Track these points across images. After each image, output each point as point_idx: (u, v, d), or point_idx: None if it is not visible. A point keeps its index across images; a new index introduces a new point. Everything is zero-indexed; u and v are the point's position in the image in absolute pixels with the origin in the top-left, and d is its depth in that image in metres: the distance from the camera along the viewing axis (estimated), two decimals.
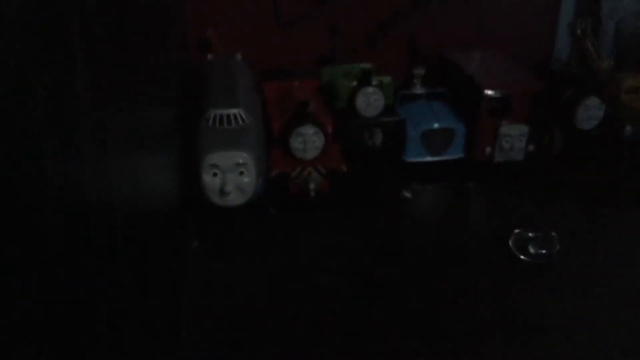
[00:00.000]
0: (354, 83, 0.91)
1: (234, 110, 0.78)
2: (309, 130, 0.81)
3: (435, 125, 0.92)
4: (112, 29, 0.43)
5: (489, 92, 0.91)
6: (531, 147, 0.92)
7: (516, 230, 0.76)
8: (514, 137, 0.91)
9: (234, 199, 0.75)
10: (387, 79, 0.92)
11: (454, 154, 0.94)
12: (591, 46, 1.03)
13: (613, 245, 0.77)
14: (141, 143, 0.52)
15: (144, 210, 0.51)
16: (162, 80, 0.69)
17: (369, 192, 0.88)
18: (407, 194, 0.87)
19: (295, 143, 0.81)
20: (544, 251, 0.73)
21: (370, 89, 0.89)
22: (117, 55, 0.45)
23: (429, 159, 0.93)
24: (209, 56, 0.97)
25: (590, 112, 0.90)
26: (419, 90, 0.98)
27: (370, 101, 0.89)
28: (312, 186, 0.82)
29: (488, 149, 0.92)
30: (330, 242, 0.77)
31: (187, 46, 1.00)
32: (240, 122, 0.78)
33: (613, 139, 0.93)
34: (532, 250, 0.73)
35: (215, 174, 0.74)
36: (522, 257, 0.73)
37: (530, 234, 0.75)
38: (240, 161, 0.74)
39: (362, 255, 0.75)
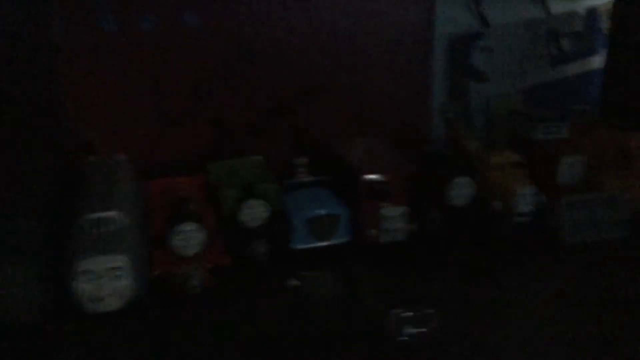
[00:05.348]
0: (237, 194, 0.91)
1: (109, 213, 0.77)
2: (188, 227, 0.81)
3: (321, 212, 0.95)
4: None
5: (368, 177, 0.95)
6: (412, 227, 0.96)
7: (394, 311, 0.77)
8: (394, 219, 0.94)
9: (110, 304, 0.73)
10: (272, 186, 0.94)
11: (340, 238, 0.96)
12: (462, 128, 1.11)
13: (490, 318, 0.80)
14: None
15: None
16: (27, 188, 0.68)
17: (256, 283, 0.88)
18: (294, 282, 0.88)
19: (175, 241, 0.81)
20: (422, 329, 0.75)
21: (254, 201, 0.90)
22: None
23: (316, 244, 0.95)
24: (90, 158, 0.97)
25: (461, 190, 0.96)
26: (303, 178, 1.01)
27: (254, 214, 0.90)
28: (195, 283, 0.81)
29: (373, 231, 0.95)
30: (215, 338, 0.76)
31: (66, 149, 1.00)
32: (115, 224, 0.77)
33: (484, 214, 0.98)
34: (410, 330, 0.74)
35: (88, 280, 0.72)
36: (401, 337, 0.74)
37: (408, 314, 0.76)
38: (116, 265, 0.73)
39: (247, 350, 0.74)
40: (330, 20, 1.11)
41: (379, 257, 0.94)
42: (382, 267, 0.92)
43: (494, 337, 0.76)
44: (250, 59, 1.09)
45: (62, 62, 1.00)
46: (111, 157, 0.98)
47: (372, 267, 0.93)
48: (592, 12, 1.26)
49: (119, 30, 1.01)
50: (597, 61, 1.29)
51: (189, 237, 0.81)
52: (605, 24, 1.26)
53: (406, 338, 0.74)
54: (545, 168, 1.01)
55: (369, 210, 0.94)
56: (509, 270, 0.91)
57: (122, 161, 0.97)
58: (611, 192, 1.00)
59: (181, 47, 1.05)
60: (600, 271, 0.91)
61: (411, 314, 0.76)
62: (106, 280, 0.73)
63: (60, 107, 1.01)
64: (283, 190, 0.98)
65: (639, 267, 0.92)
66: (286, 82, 1.12)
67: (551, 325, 0.80)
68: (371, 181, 0.95)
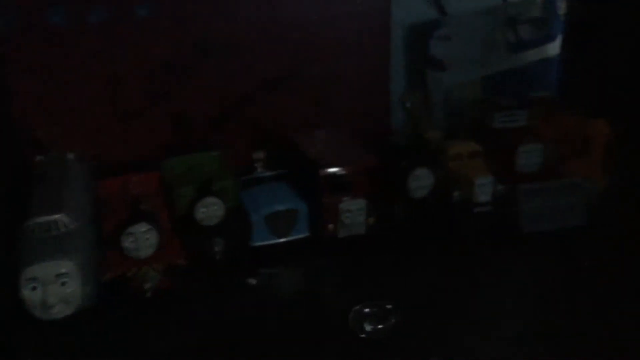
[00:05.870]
0: (193, 192, 0.88)
1: (56, 216, 0.75)
2: (140, 228, 0.79)
3: (279, 208, 0.93)
4: None
5: (327, 171, 0.93)
6: (371, 220, 0.95)
7: (355, 307, 0.77)
8: (353, 212, 0.93)
9: (59, 311, 0.71)
10: (229, 183, 0.91)
11: (299, 233, 0.94)
12: (422, 118, 1.10)
13: (451, 309, 0.80)
14: None
15: None
16: None
17: (214, 283, 0.86)
18: (252, 281, 0.87)
19: (127, 243, 0.79)
20: (380, 326, 0.74)
21: (210, 200, 0.87)
22: None
23: (275, 241, 0.93)
24: (39, 157, 0.94)
25: (421, 181, 0.95)
26: (261, 173, 1.00)
27: (209, 212, 0.87)
28: (147, 286, 0.79)
29: (331, 226, 0.94)
30: (172, 342, 0.75)
31: (16, 148, 0.96)
32: (63, 228, 0.75)
33: (444, 205, 0.97)
34: (368, 327, 0.74)
35: (34, 288, 0.70)
36: (361, 335, 0.74)
37: (367, 310, 0.76)
38: (62, 271, 0.70)
39: (206, 352, 0.73)
40: (288, 11, 1.09)
41: (339, 252, 0.93)
42: (343, 262, 0.92)
43: (457, 328, 0.76)
44: (208, 51, 1.07)
45: (10, 57, 0.97)
46: (63, 155, 0.95)
47: (332, 262, 0.92)
48: None
49: (68, 23, 0.98)
50: (556, 47, 1.29)
51: (142, 239, 0.79)
52: (562, 10, 1.26)
53: (365, 335, 0.73)
54: (504, 156, 1.01)
55: (328, 205, 0.93)
56: (469, 261, 0.91)
57: (75, 160, 0.94)
58: (570, 180, 1.00)
59: (134, 40, 1.02)
60: (560, 259, 0.92)
61: (372, 310, 0.75)
62: (53, 287, 0.70)
63: (8, 104, 0.98)
64: (241, 186, 0.96)
65: (598, 254, 0.93)
66: (245, 75, 1.10)
67: (513, 315, 0.80)
68: (330, 175, 0.93)
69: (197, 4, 1.04)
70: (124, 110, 1.05)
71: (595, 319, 0.78)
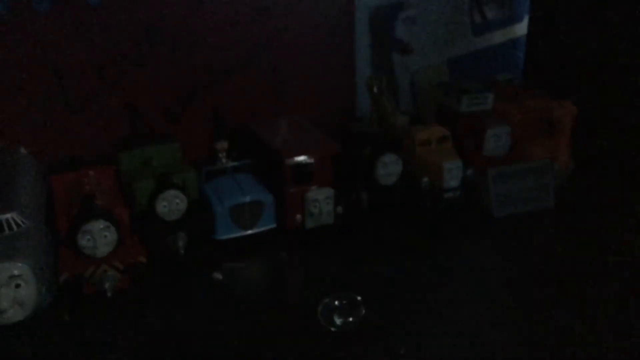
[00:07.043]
0: (152, 185, 0.85)
1: (6, 215, 0.71)
2: (97, 225, 0.75)
3: (243, 199, 0.90)
4: None
5: (291, 160, 0.90)
6: (339, 209, 0.92)
7: (324, 300, 0.74)
8: (321, 202, 0.91)
9: (13, 315, 0.67)
10: (189, 175, 0.88)
11: (265, 225, 0.91)
12: (387, 103, 1.07)
13: (419, 300, 0.78)
14: None
15: None
16: None
17: (176, 281, 0.83)
18: (218, 276, 0.84)
19: (83, 241, 0.74)
20: (350, 319, 0.72)
21: (171, 193, 0.84)
22: None
23: (240, 234, 0.90)
24: None
25: (389, 168, 0.93)
26: (224, 164, 0.96)
27: (171, 206, 0.84)
28: (107, 285, 0.75)
29: (298, 217, 0.91)
30: (134, 344, 0.71)
31: None
32: (14, 227, 0.70)
33: (413, 191, 0.96)
34: (338, 320, 0.71)
35: None
36: (331, 328, 0.71)
37: (336, 303, 0.73)
38: (15, 272, 0.66)
39: (175, 350, 0.70)
40: None
41: (307, 243, 0.91)
42: (311, 254, 0.89)
43: (429, 318, 0.75)
44: (161, 39, 1.02)
45: None
46: (14, 150, 0.90)
47: (300, 254, 0.89)
48: None
49: (11, 12, 0.93)
50: (521, 28, 1.28)
51: (99, 236, 0.75)
52: None
53: (335, 328, 0.71)
54: (472, 141, 1.00)
55: (294, 195, 0.90)
56: (440, 248, 0.89)
57: (23, 155, 0.89)
58: (538, 162, 0.99)
59: (83, 29, 0.97)
60: (529, 244, 0.91)
61: (341, 302, 0.73)
62: (6, 290, 0.66)
63: None
64: (203, 178, 0.92)
65: (566, 238, 0.92)
66: (202, 63, 1.06)
67: (484, 302, 0.78)
68: (295, 164, 0.90)
69: None
70: (75, 102, 1.00)
71: (567, 303, 0.77)
